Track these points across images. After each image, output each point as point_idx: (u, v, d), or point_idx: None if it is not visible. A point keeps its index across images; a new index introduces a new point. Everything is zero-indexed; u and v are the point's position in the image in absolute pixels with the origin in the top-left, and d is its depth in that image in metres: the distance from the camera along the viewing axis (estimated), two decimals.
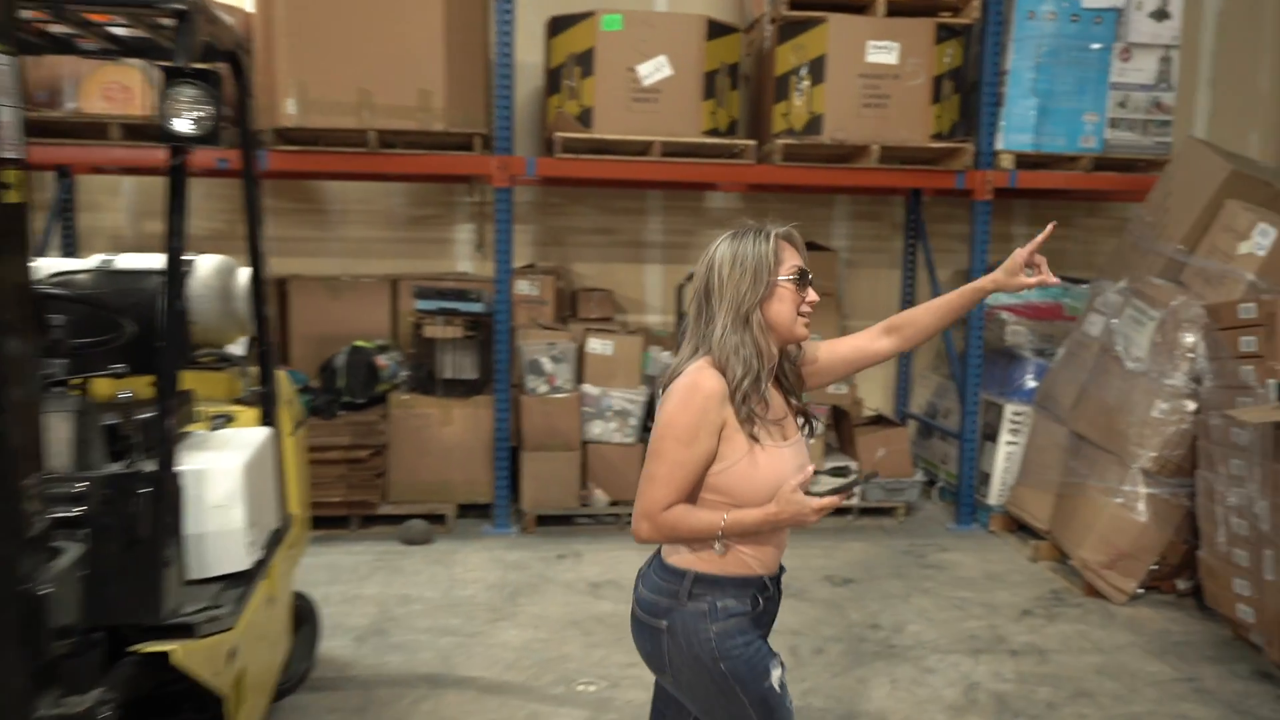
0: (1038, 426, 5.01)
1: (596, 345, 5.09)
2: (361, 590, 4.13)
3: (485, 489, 5.03)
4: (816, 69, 4.91)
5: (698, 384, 1.78)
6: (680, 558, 1.86)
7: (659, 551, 1.94)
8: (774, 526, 1.81)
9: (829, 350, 2.03)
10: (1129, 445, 4.21)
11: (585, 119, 4.90)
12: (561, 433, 5.00)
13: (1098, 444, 4.42)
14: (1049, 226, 2.08)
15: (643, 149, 4.89)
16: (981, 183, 5.06)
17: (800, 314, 1.86)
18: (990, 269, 5.82)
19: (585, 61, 4.90)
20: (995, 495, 5.22)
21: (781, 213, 6.23)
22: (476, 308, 4.99)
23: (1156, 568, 4.17)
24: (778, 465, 1.81)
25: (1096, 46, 5.06)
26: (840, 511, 5.32)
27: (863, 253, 6.15)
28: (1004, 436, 5.21)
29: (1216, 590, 3.76)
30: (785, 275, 1.83)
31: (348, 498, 4.85)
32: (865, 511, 5.34)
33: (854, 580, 4.38)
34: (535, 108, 5.68)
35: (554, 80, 5.11)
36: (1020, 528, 5.07)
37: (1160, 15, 5.10)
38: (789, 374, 1.95)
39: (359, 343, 5.06)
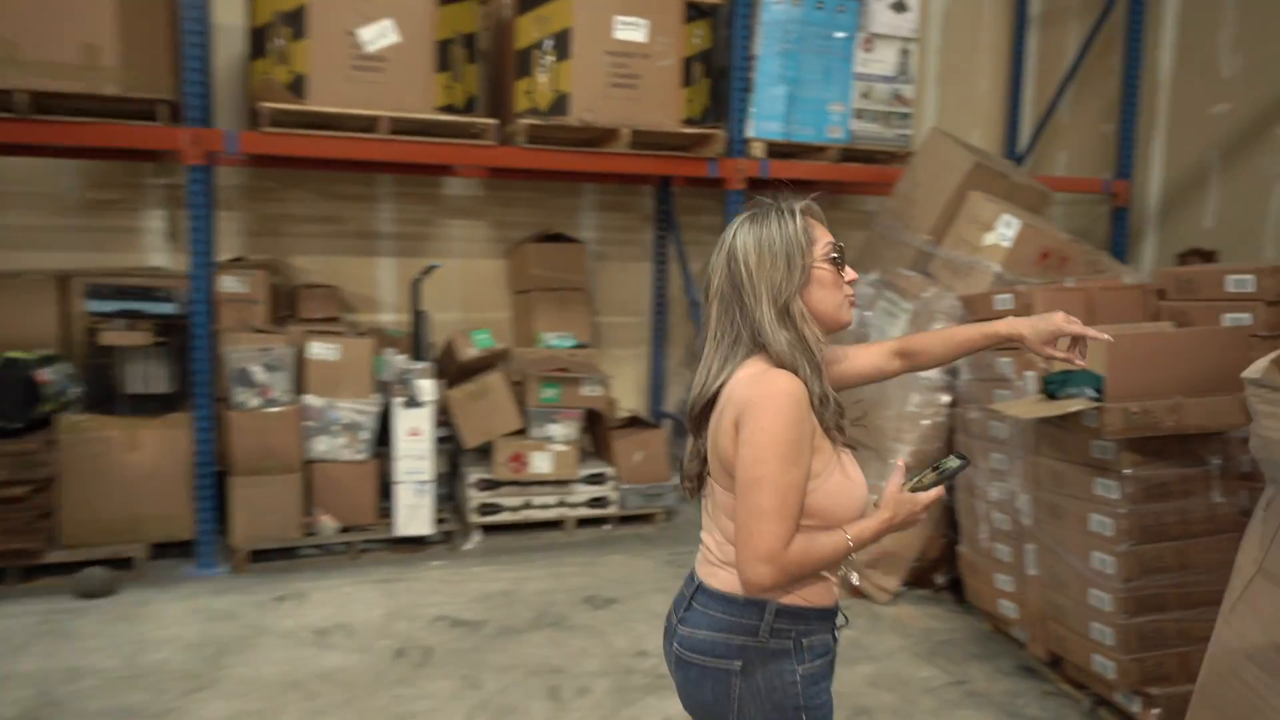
0: None
1: (319, 349, 4.43)
2: (14, 666, 3.28)
3: (185, 523, 4.25)
4: (561, 43, 4.50)
5: (781, 386, 1.53)
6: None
7: (698, 579, 1.66)
8: (889, 534, 1.61)
9: (851, 358, 1.86)
10: (886, 440, 4.13)
11: (298, 88, 4.22)
12: (279, 452, 4.30)
13: (857, 440, 4.31)
14: (1105, 335, 1.80)
15: (368, 125, 4.29)
16: (734, 171, 4.86)
17: (846, 296, 1.67)
18: None
19: (295, 21, 4.22)
20: None
21: (528, 202, 5.83)
22: (167, 308, 4.19)
23: (916, 564, 4.11)
24: (857, 475, 1.63)
25: (840, 35, 5.00)
26: (595, 521, 4.97)
27: (612, 245, 5.83)
28: None
29: (978, 586, 3.72)
30: (822, 255, 1.63)
31: (2, 546, 3.92)
32: (624, 520, 5.02)
33: (617, 600, 4.03)
34: (240, 76, 4.90)
35: (259, 42, 4.39)
36: None
37: (899, 7, 5.12)
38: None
39: (13, 354, 4.11)
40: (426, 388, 4.41)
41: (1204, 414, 2.78)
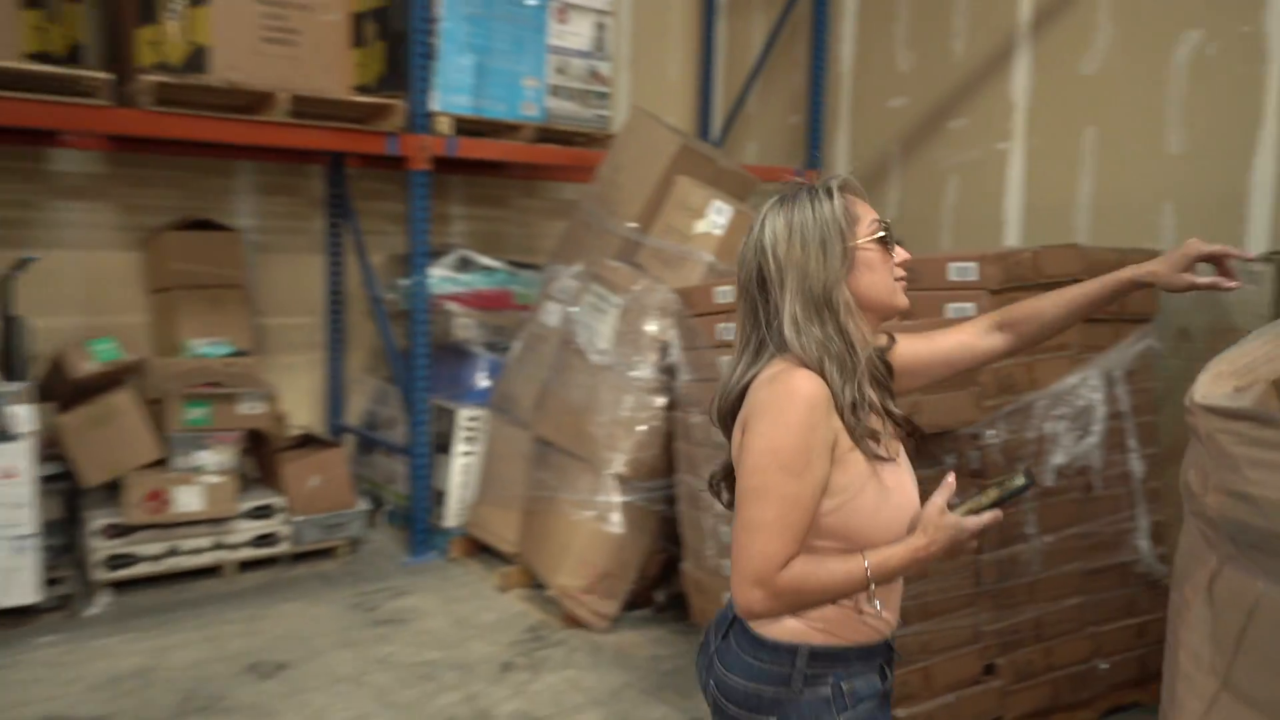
0: (496, 433, 4.37)
1: None
2: None
3: None
4: None
5: (793, 387, 1.37)
6: (782, 628, 1.42)
7: (735, 620, 1.47)
8: (924, 564, 1.40)
9: (917, 347, 1.63)
10: (600, 449, 3.73)
11: None
12: None
13: (566, 450, 3.88)
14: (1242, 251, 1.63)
15: None
16: (417, 149, 4.24)
17: (899, 278, 1.50)
18: (438, 253, 4.78)
19: None
20: (453, 516, 4.48)
21: (167, 181, 4.78)
22: None
23: (635, 584, 3.75)
24: (905, 492, 1.45)
25: (532, 2, 4.54)
26: (263, 563, 4.17)
27: (277, 234, 4.99)
28: (459, 447, 4.49)
29: (705, 605, 3.41)
30: (867, 235, 1.47)
31: None
32: (299, 557, 4.26)
33: (288, 664, 3.31)
34: None
35: None
36: (484, 550, 4.41)
37: None
38: (879, 368, 1.53)
39: None
40: (22, 415, 3.42)
41: (943, 412, 2.60)
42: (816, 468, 1.36)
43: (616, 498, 3.68)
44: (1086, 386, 2.92)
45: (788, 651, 1.41)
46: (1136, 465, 3.07)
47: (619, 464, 3.68)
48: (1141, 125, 4.25)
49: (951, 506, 1.40)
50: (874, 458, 1.41)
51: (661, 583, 3.84)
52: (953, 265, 2.83)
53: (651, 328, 3.71)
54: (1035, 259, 2.80)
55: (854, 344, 1.42)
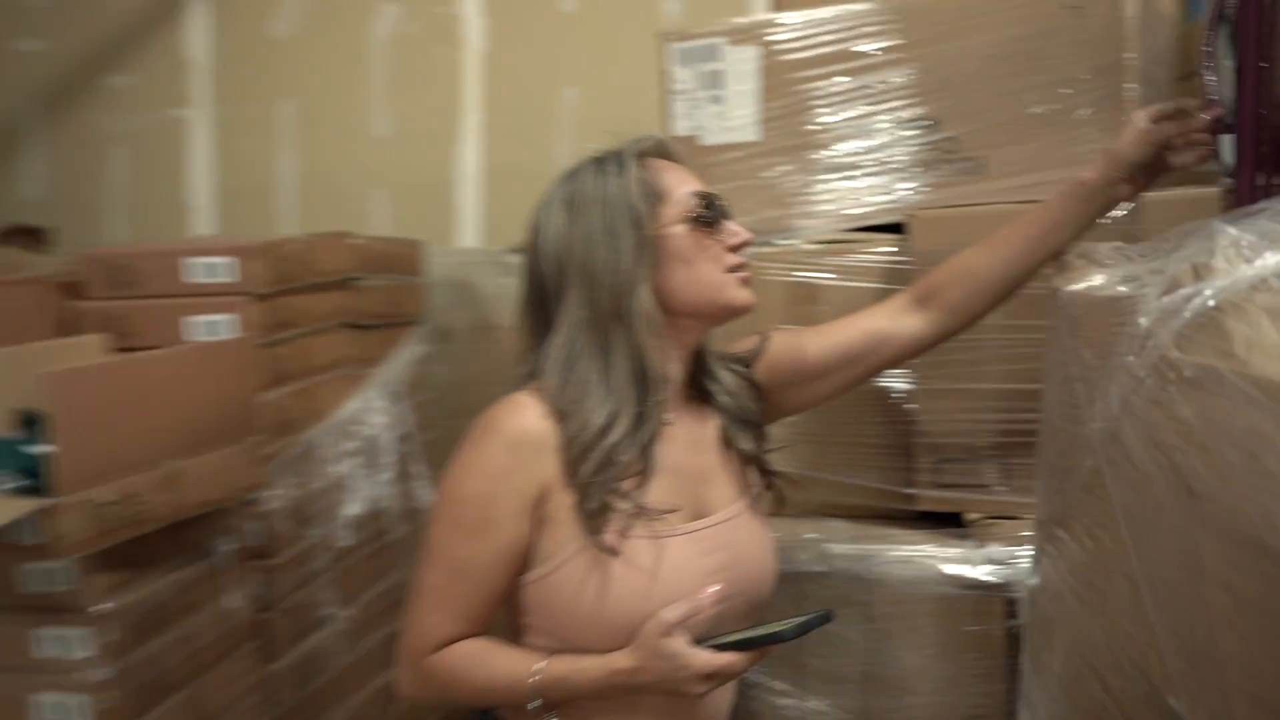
0: None
1: None
2: None
3: None
4: None
5: (493, 419, 1.08)
6: None
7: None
8: (624, 692, 1.02)
9: (804, 344, 1.22)
10: None
11: None
12: None
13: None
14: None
15: None
16: None
17: (731, 268, 1.11)
18: None
19: None
20: None
21: None
22: None
23: None
24: (668, 574, 1.05)
25: None
26: None
27: None
28: None
29: None
30: (679, 215, 1.10)
31: None
32: None
33: None
34: None
35: None
36: None
37: None
38: (731, 387, 1.18)
39: None
40: None
41: (211, 482, 1.74)
42: (503, 529, 1.06)
43: None
44: (372, 410, 2.33)
45: None
46: (425, 493, 2.60)
47: None
48: (345, 102, 3.80)
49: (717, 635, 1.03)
50: (596, 538, 1.04)
51: None
52: (193, 262, 1.96)
53: None
54: (308, 250, 2.10)
55: (649, 374, 1.07)
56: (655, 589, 1.04)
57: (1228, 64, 1.02)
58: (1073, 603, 1.01)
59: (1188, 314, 0.71)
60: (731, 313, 1.13)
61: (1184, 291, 0.72)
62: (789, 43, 1.71)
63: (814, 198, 1.69)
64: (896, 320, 1.21)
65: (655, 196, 1.10)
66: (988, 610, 1.41)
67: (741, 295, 1.12)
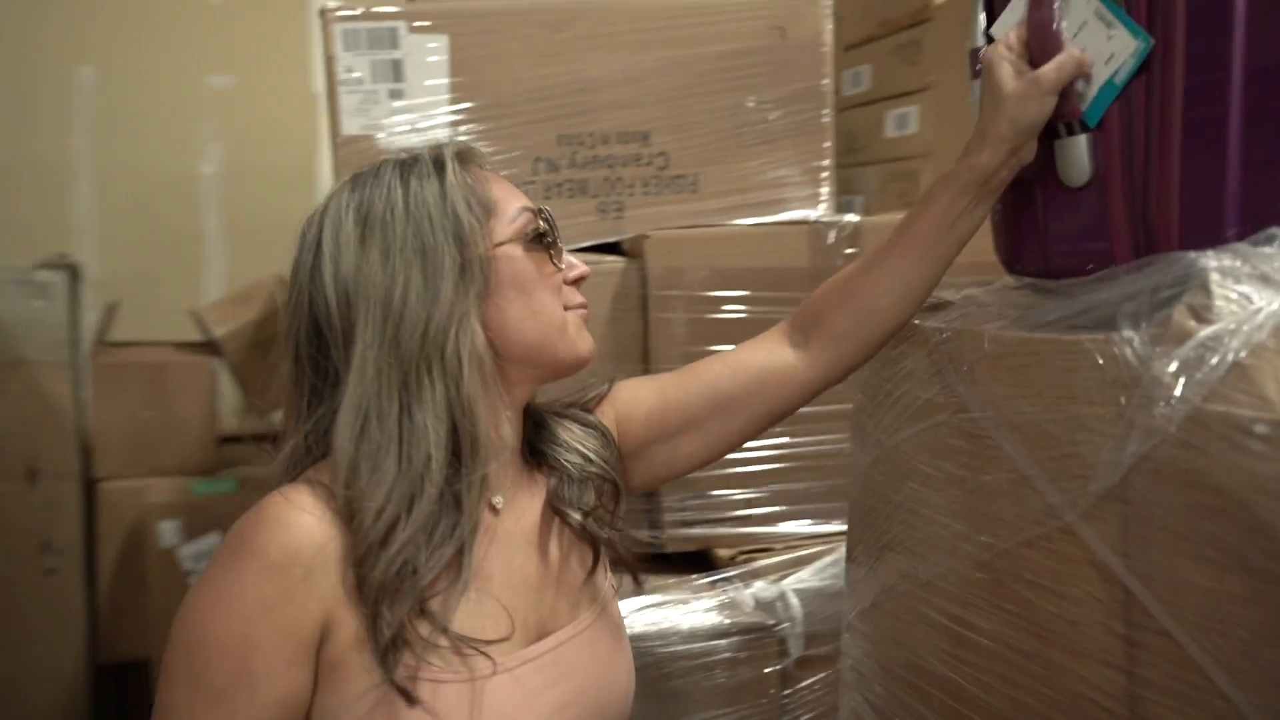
0: None
1: None
2: None
3: None
4: None
5: (247, 539, 0.77)
6: None
7: None
8: None
9: (664, 391, 0.98)
10: None
11: None
12: None
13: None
14: None
15: None
16: None
17: (570, 305, 0.88)
18: None
19: None
20: None
21: None
22: None
23: None
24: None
25: None
26: None
27: None
28: None
29: None
30: (514, 233, 0.85)
31: None
32: None
33: None
34: None
35: None
36: None
37: None
38: (575, 443, 0.93)
39: None
40: None
41: None
42: (269, 683, 0.74)
43: None
44: None
45: None
46: None
47: None
48: None
49: None
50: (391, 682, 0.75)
51: None
52: None
53: None
54: None
55: (475, 439, 0.80)
56: None
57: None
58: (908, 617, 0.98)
59: (1215, 363, 0.67)
60: (569, 363, 0.89)
61: (1200, 339, 0.69)
62: (482, 33, 1.49)
63: None
64: (776, 355, 0.97)
65: (484, 208, 0.85)
66: (762, 654, 1.35)
67: (583, 342, 0.90)
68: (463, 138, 1.46)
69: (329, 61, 1.48)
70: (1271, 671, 0.63)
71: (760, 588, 1.36)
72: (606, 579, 0.94)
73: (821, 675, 1.36)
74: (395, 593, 0.76)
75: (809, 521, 1.46)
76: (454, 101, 1.50)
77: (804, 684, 1.37)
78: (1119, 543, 0.75)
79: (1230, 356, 0.67)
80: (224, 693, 0.74)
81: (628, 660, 0.94)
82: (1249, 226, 0.77)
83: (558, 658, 0.86)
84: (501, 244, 0.85)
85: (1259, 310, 0.69)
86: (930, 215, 0.91)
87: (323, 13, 1.47)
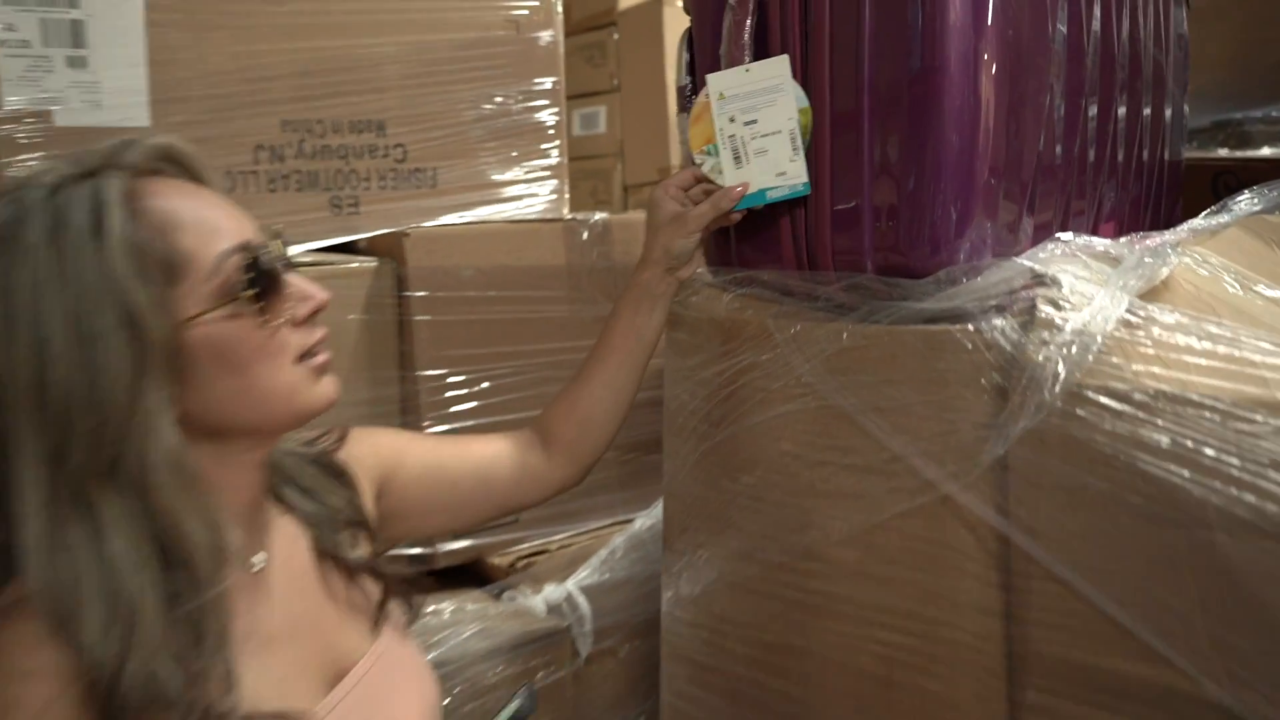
0: None
1: None
2: None
3: None
4: None
5: None
6: None
7: None
8: None
9: (421, 455, 0.96)
10: None
11: None
12: None
13: None
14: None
15: None
16: None
17: (306, 355, 0.74)
18: None
19: None
20: None
21: None
22: None
23: None
24: None
25: None
26: None
27: None
28: None
29: None
30: (214, 288, 0.69)
31: None
32: None
33: None
34: None
35: None
36: None
37: None
38: (313, 485, 0.85)
39: None
40: None
41: None
42: None
43: None
44: None
45: None
46: None
47: None
48: None
49: None
50: None
51: None
52: None
53: None
54: None
55: (189, 550, 0.66)
56: None
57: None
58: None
59: (1086, 346, 0.80)
60: (306, 419, 0.78)
61: (1071, 328, 0.81)
62: None
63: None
64: (531, 455, 1.03)
65: (166, 271, 0.68)
66: (556, 658, 1.33)
67: (322, 393, 0.77)
68: (170, 121, 1.25)
69: None
70: (1158, 593, 0.77)
71: (550, 591, 1.34)
72: (385, 603, 0.88)
73: (609, 669, 1.38)
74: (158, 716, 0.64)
75: (579, 520, 1.46)
76: (152, 75, 1.27)
77: (594, 681, 1.37)
78: (1000, 504, 0.86)
79: (1098, 341, 0.81)
80: None
81: (426, 677, 0.89)
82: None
83: (366, 690, 0.81)
84: (195, 315, 0.69)
85: (1104, 303, 0.83)
86: (618, 328, 1.04)
87: None
